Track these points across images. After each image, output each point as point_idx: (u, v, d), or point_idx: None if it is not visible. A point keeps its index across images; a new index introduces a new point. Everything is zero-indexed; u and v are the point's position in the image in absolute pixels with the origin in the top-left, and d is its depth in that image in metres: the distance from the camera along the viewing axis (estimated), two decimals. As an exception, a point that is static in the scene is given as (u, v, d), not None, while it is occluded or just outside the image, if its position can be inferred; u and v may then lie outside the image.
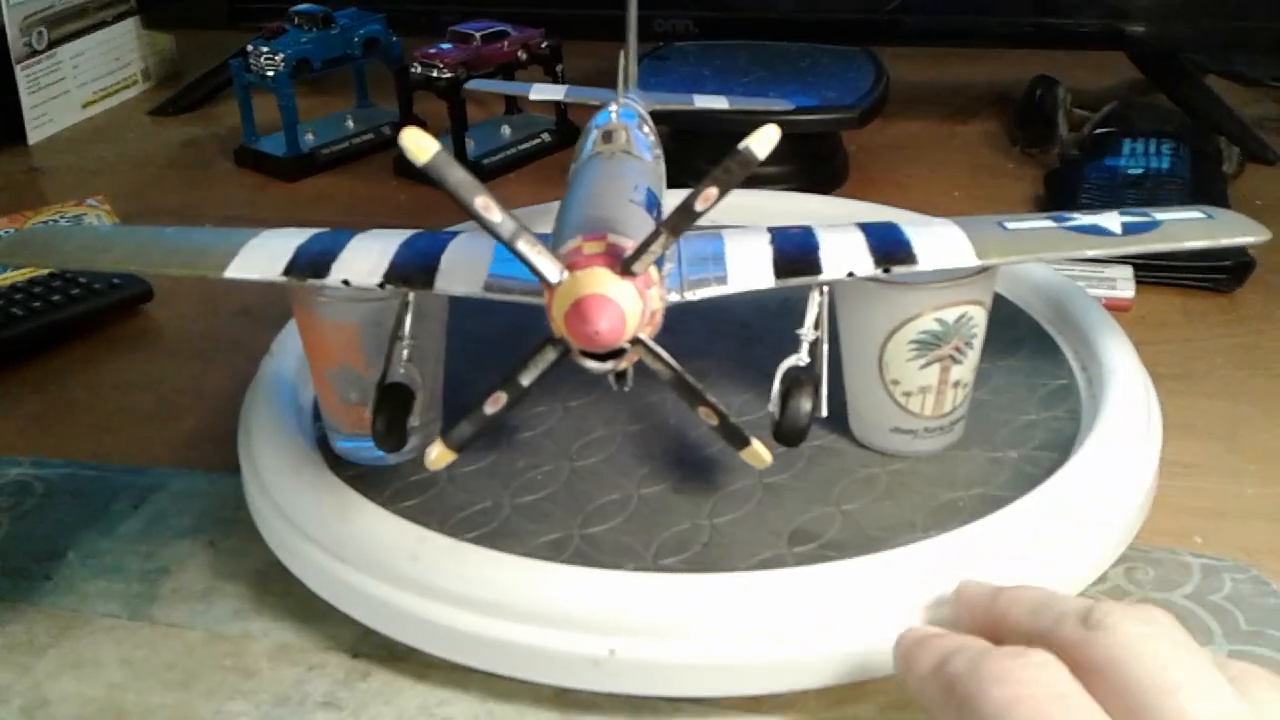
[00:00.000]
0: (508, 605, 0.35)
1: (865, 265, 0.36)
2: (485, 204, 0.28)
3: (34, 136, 0.85)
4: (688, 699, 0.35)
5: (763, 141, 0.27)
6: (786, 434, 0.37)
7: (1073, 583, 0.37)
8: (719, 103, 0.57)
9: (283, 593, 0.40)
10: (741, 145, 0.27)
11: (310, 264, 0.36)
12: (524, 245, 0.29)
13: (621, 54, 0.51)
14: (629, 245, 0.30)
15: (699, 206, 0.28)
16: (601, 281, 0.29)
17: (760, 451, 0.34)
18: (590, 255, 0.30)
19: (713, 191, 0.28)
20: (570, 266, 0.30)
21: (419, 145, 0.26)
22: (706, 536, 0.38)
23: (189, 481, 0.47)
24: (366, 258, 0.37)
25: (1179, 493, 0.43)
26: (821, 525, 0.39)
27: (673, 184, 0.43)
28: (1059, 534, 0.37)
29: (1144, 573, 0.39)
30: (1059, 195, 0.66)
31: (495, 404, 0.31)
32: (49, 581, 0.42)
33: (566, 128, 0.78)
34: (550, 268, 0.29)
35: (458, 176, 0.27)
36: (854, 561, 0.36)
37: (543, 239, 0.30)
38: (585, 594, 0.35)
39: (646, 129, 0.43)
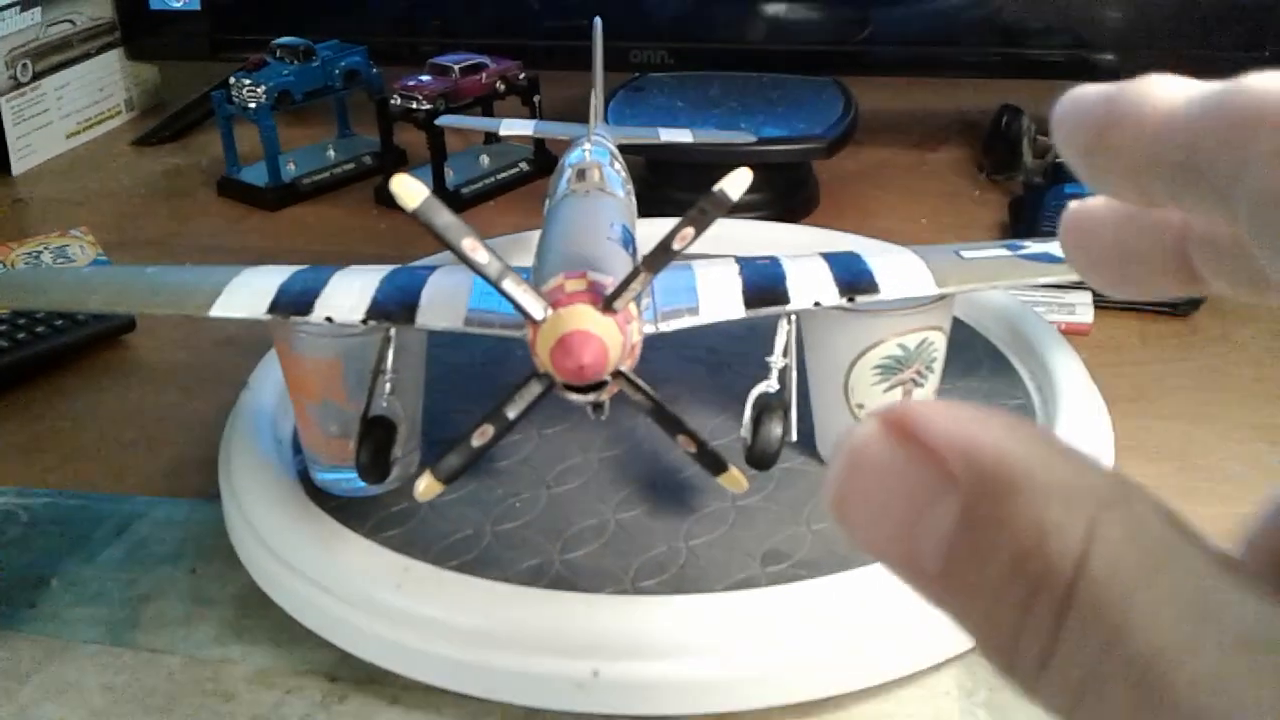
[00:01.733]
0: (493, 631, 0.36)
1: (831, 295, 0.38)
2: (472, 245, 0.29)
3: (18, 168, 0.85)
4: (659, 716, 0.36)
5: (735, 184, 0.28)
6: (759, 458, 0.39)
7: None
8: (684, 136, 0.59)
9: (261, 618, 0.41)
10: (716, 187, 0.28)
11: (293, 302, 0.38)
12: (510, 284, 0.30)
13: (592, 91, 0.52)
14: (609, 282, 0.32)
15: (676, 245, 0.29)
16: (585, 318, 0.30)
17: (737, 477, 0.35)
18: (573, 293, 0.31)
19: (689, 231, 0.29)
20: (554, 304, 0.31)
21: (408, 191, 0.28)
22: (683, 559, 0.40)
23: (170, 510, 0.48)
24: (348, 294, 0.38)
25: (1135, 511, 0.44)
26: (793, 545, 0.40)
27: (648, 213, 0.45)
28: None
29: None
30: (1022, 221, 0.68)
31: (483, 436, 0.32)
32: (33, 609, 0.43)
33: (544, 157, 0.79)
34: (535, 305, 0.31)
35: (445, 220, 0.29)
36: (825, 580, 0.37)
37: (523, 276, 0.31)
38: (569, 618, 0.36)
39: (618, 165, 0.45)
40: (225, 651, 0.40)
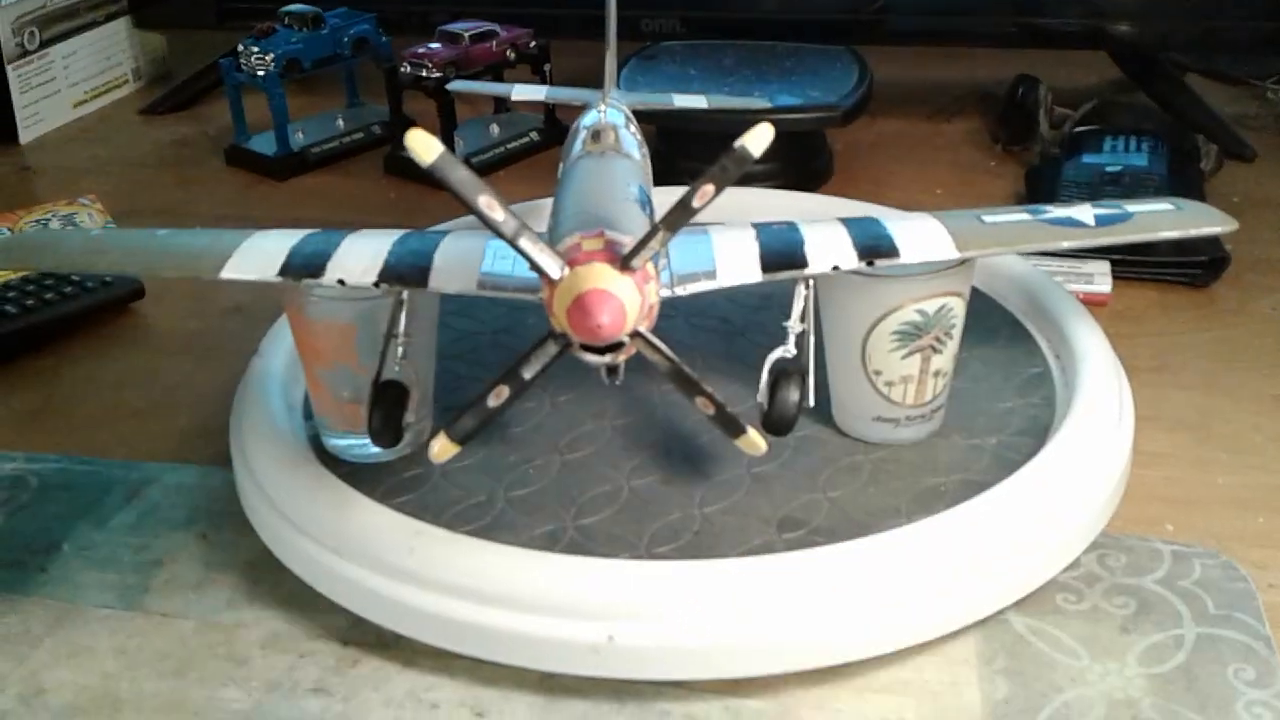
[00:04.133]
0: (508, 595, 0.36)
1: (849, 259, 0.37)
2: (489, 202, 0.29)
3: (25, 136, 0.85)
4: (672, 682, 0.36)
5: (757, 139, 0.28)
6: (775, 423, 0.38)
7: (1049, 566, 0.39)
8: (698, 101, 0.58)
9: (274, 583, 0.41)
10: (737, 143, 0.28)
11: (305, 264, 0.37)
12: (526, 242, 0.29)
13: (606, 53, 0.51)
14: (625, 241, 0.31)
15: (696, 203, 0.29)
16: (603, 277, 0.30)
17: (755, 439, 0.35)
18: (590, 251, 0.31)
19: (709, 188, 0.29)
20: (571, 263, 0.30)
21: (424, 146, 0.27)
22: (697, 525, 0.39)
23: (181, 475, 0.48)
24: (360, 257, 0.37)
25: (1152, 482, 0.44)
26: (809, 512, 0.40)
27: (661, 183, 0.44)
28: (1037, 518, 0.38)
29: (1116, 559, 0.40)
30: (1039, 192, 0.67)
31: (498, 397, 0.32)
32: (44, 574, 0.43)
33: (554, 126, 0.79)
34: (552, 264, 0.30)
35: (461, 176, 0.28)
36: (841, 546, 0.37)
37: (540, 236, 0.31)
38: (585, 582, 0.36)
39: (633, 128, 0.44)
40: (238, 616, 0.40)
